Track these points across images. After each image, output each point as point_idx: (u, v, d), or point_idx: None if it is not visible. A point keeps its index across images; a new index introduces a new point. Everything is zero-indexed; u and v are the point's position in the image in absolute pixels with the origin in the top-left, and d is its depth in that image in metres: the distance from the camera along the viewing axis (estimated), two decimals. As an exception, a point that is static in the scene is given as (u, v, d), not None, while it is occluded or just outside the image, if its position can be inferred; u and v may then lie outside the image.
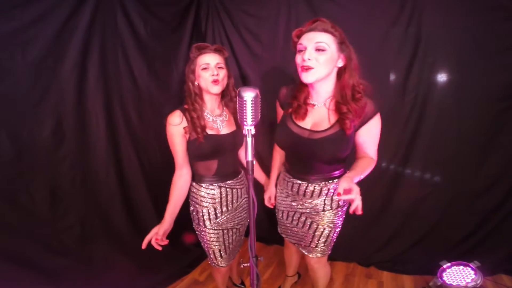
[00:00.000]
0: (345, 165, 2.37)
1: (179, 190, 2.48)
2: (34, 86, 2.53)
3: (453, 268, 3.03)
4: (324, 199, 2.38)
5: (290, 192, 2.53)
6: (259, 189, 2.93)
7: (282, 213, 2.67)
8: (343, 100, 2.01)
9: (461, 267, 3.01)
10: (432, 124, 3.19)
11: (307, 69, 1.97)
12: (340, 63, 2.02)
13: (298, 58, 2.03)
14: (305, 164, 2.34)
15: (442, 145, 3.22)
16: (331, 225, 2.43)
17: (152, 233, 2.34)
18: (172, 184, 2.48)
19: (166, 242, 2.37)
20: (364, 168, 2.08)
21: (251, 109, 1.55)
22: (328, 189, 2.36)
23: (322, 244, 2.49)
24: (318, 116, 2.15)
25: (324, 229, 2.44)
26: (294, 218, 2.56)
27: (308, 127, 2.18)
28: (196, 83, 2.40)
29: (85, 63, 2.85)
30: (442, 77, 3.11)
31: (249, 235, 1.77)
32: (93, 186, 3.05)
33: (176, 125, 2.34)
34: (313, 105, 2.19)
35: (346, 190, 1.73)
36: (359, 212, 1.72)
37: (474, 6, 2.87)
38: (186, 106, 2.42)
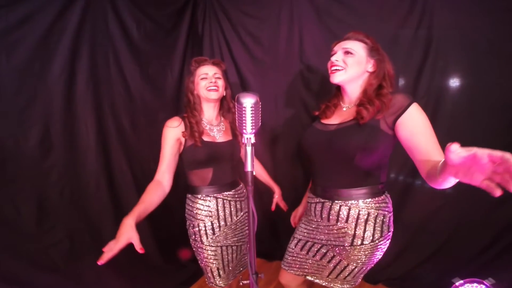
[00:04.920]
0: (381, 183, 2.14)
1: (153, 194, 2.33)
2: (20, 91, 2.52)
3: (466, 285, 3.01)
4: (354, 228, 2.10)
5: (314, 218, 2.33)
6: (261, 202, 2.91)
7: (298, 242, 2.43)
8: (365, 95, 2.06)
9: (475, 284, 2.99)
10: (444, 131, 3.13)
11: (335, 70, 2.09)
12: (371, 68, 2.09)
13: (329, 62, 2.17)
14: (328, 170, 2.20)
15: (455, 154, 3.16)
16: (360, 262, 2.16)
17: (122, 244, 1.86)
18: (148, 188, 2.34)
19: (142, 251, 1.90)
20: None
21: (251, 116, 1.53)
22: (359, 212, 2.09)
23: (343, 278, 2.25)
24: (346, 115, 2.15)
25: (349, 264, 2.19)
26: (312, 249, 2.34)
27: (335, 123, 2.17)
28: (195, 92, 2.57)
29: (74, 67, 2.84)
30: (454, 82, 3.10)
31: (248, 250, 1.73)
32: (83, 198, 3.03)
33: (174, 128, 2.43)
34: (342, 107, 2.24)
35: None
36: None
37: (487, 7, 2.86)
38: (185, 115, 2.55)
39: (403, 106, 1.89)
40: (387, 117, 1.92)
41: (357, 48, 2.06)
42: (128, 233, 1.93)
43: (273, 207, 2.97)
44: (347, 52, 2.07)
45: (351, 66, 2.05)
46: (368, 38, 2.10)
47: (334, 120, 2.22)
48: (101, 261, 1.77)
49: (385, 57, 2.11)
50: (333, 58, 2.11)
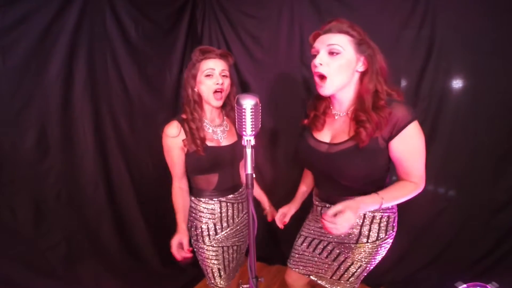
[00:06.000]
0: (383, 187, 2.09)
1: (184, 199, 2.50)
2: (16, 93, 2.51)
3: (469, 289, 3.00)
4: (360, 228, 2.13)
5: (319, 218, 2.27)
6: (260, 204, 2.89)
7: (305, 239, 2.45)
8: (362, 108, 1.88)
9: (478, 288, 2.98)
10: (447, 133, 3.17)
11: (321, 77, 1.88)
12: (361, 67, 1.89)
13: (313, 65, 1.90)
14: (331, 184, 2.15)
15: (458, 157, 3.19)
16: (364, 261, 2.19)
17: (176, 245, 2.42)
18: (175, 195, 2.48)
19: (190, 255, 2.46)
20: (392, 192, 1.93)
21: (251, 118, 1.54)
22: (364, 216, 2.12)
23: (346, 279, 2.26)
24: (339, 127, 2.04)
25: (353, 263, 2.21)
26: (319, 246, 2.35)
27: (328, 140, 2.07)
28: (195, 89, 2.36)
29: (72, 68, 2.83)
30: (457, 83, 3.08)
31: (248, 254, 1.73)
32: (80, 201, 3.02)
33: (174, 137, 2.30)
34: (333, 115, 2.09)
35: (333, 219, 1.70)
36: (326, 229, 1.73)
37: (491, 7, 2.85)
38: (183, 116, 2.39)
39: (400, 125, 1.80)
40: (384, 133, 1.85)
41: (344, 43, 1.82)
42: (180, 234, 2.45)
43: (270, 218, 2.81)
44: (332, 52, 1.83)
45: (338, 71, 1.84)
46: (354, 29, 1.84)
47: (326, 133, 2.11)
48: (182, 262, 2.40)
49: (375, 50, 1.89)
50: (316, 61, 1.85)
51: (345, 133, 1.98)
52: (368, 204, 1.84)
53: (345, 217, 1.68)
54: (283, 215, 2.57)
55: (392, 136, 1.82)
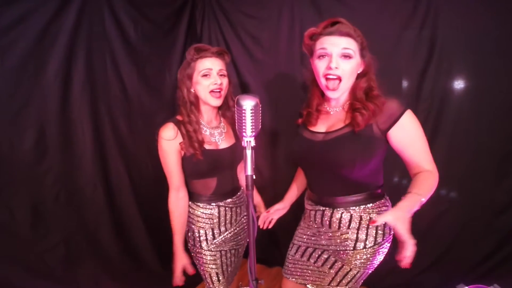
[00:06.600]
0: (379, 187, 2.14)
1: (182, 215, 2.45)
2: (15, 93, 2.50)
3: (471, 291, 3.00)
4: (357, 233, 2.07)
5: (314, 224, 2.28)
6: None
7: (298, 248, 2.39)
8: (356, 99, 1.95)
9: (480, 291, 2.98)
10: (448, 134, 3.16)
11: (333, 80, 1.89)
12: (360, 70, 1.95)
13: (321, 66, 1.91)
14: (325, 181, 2.14)
15: (459, 158, 3.18)
16: (362, 266, 2.12)
17: (179, 274, 2.48)
18: (173, 209, 2.41)
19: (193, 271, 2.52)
20: (422, 185, 1.87)
21: (251, 119, 1.53)
22: (361, 217, 2.07)
23: (345, 285, 2.18)
24: (335, 119, 2.06)
25: (351, 269, 2.13)
26: (313, 255, 2.29)
27: (323, 130, 2.08)
28: (192, 90, 2.30)
29: (70, 68, 2.83)
30: (459, 84, 3.08)
31: (248, 256, 1.71)
32: (79, 202, 3.01)
33: (170, 140, 2.24)
34: (328, 112, 2.12)
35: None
36: (407, 265, 1.66)
37: (492, 7, 2.84)
38: (179, 118, 2.33)
39: (395, 115, 1.84)
40: (380, 124, 1.88)
41: (354, 48, 1.86)
42: (182, 261, 2.46)
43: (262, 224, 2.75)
44: (345, 56, 1.85)
45: (350, 73, 1.89)
46: (357, 33, 1.88)
47: (321, 126, 2.12)
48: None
49: (369, 54, 1.97)
50: (332, 65, 1.84)
51: (341, 122, 2.01)
52: (410, 207, 1.77)
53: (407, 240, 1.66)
54: (268, 215, 2.63)
55: (390, 126, 1.85)
